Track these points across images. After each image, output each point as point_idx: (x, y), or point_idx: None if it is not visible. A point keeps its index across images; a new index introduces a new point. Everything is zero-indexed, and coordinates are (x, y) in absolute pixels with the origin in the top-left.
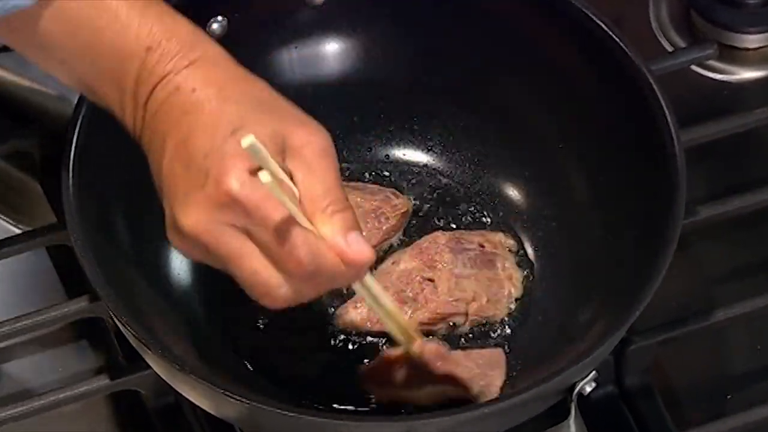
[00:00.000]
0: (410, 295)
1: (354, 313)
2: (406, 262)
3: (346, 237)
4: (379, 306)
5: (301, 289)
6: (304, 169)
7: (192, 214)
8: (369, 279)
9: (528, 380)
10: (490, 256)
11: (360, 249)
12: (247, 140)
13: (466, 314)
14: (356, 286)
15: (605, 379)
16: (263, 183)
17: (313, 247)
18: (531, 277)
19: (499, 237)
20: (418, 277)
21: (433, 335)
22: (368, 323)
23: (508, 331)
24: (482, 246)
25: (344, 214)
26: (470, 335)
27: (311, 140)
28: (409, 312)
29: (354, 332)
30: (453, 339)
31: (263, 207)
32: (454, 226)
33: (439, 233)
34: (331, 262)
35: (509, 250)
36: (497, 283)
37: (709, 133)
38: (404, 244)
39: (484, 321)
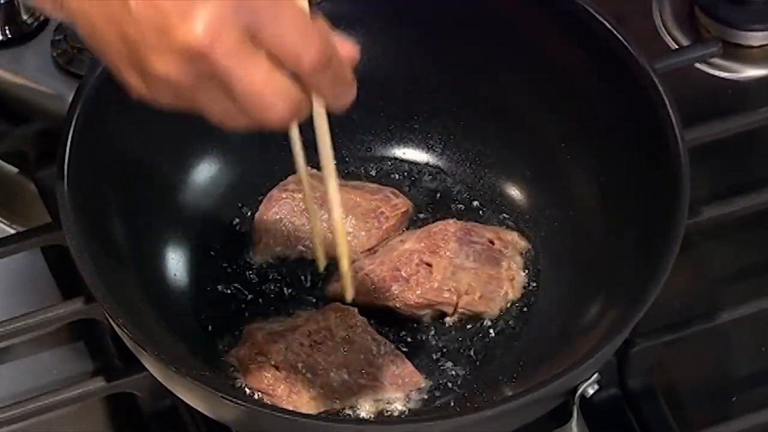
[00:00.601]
0: (404, 275)
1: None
2: (411, 242)
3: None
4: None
5: (305, 96)
6: None
7: (199, 26)
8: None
9: (529, 382)
10: (497, 254)
11: (344, 42)
12: None
13: (455, 305)
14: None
15: (608, 381)
16: None
17: (324, 39)
18: (535, 283)
19: (513, 237)
20: (417, 259)
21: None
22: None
23: (509, 331)
24: (492, 242)
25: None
26: (462, 329)
27: None
28: (397, 291)
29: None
30: (450, 332)
31: None
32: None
33: (452, 221)
34: (337, 53)
35: (519, 253)
36: (496, 281)
37: (714, 132)
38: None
39: (473, 314)
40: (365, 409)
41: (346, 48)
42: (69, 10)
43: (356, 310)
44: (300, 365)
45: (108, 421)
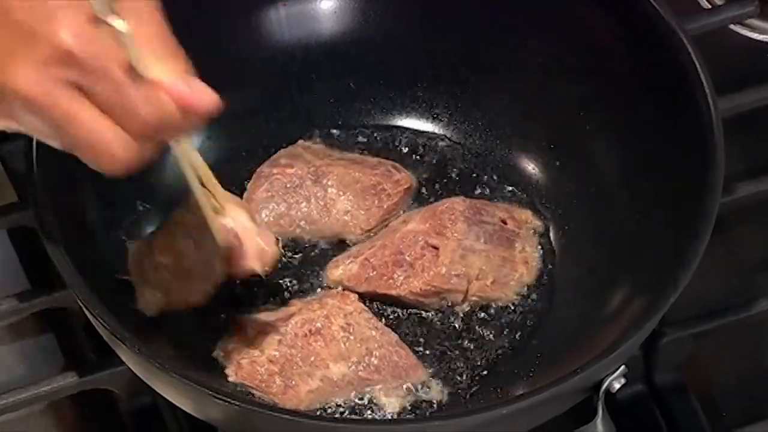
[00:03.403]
0: (408, 259)
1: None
2: (415, 222)
3: (187, 81)
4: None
5: (143, 145)
6: (135, 16)
7: (21, 74)
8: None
9: (549, 376)
10: (510, 234)
11: (202, 91)
12: None
13: (466, 293)
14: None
15: (633, 377)
16: (113, 28)
17: (155, 101)
18: (552, 266)
19: (527, 215)
20: (422, 242)
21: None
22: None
23: (525, 320)
24: (504, 222)
25: (179, 58)
26: (473, 318)
27: None
28: (401, 277)
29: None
30: (460, 322)
31: (103, 58)
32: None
33: (459, 199)
34: (173, 111)
35: (534, 232)
36: (510, 264)
37: (750, 100)
38: None
39: (485, 303)
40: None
41: (202, 94)
42: None
43: (356, 296)
44: (297, 358)
45: (80, 421)
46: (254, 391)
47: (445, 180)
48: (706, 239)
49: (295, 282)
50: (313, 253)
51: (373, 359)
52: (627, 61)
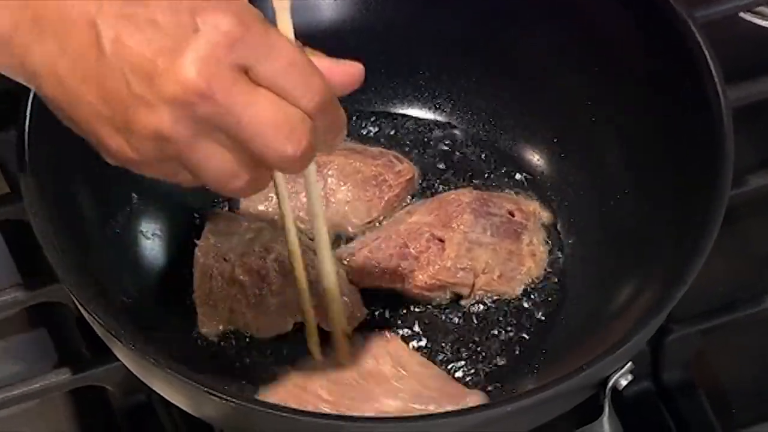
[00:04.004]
0: (413, 252)
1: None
2: (420, 214)
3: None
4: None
5: (321, 125)
6: None
7: (193, 64)
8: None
9: (555, 373)
10: (518, 226)
11: (347, 63)
12: None
13: (472, 287)
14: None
15: (640, 374)
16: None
17: (320, 72)
18: (560, 260)
19: (535, 207)
20: (427, 234)
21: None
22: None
23: (531, 315)
24: (512, 214)
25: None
26: (484, 313)
27: None
28: (406, 271)
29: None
30: (466, 317)
31: (272, 32)
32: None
33: (466, 190)
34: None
35: (542, 225)
36: (518, 258)
37: (760, 90)
38: None
39: (492, 297)
40: None
41: (349, 71)
42: (32, 67)
43: (396, 336)
44: (349, 396)
45: (73, 419)
46: None
47: (448, 171)
48: (715, 233)
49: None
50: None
51: (426, 392)
52: (634, 50)
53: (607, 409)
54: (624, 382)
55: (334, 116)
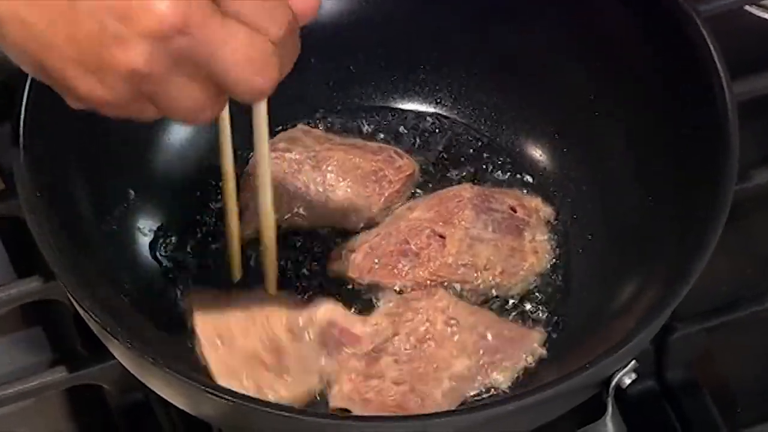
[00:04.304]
0: (413, 248)
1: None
2: (421, 210)
3: None
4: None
5: (283, 53)
6: None
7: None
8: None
9: (557, 371)
10: (520, 222)
11: None
12: None
13: (473, 284)
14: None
15: (644, 373)
16: None
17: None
18: (562, 255)
19: (537, 203)
20: (428, 230)
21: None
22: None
23: (533, 312)
24: (513, 210)
25: None
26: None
27: None
28: (407, 268)
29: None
30: None
31: None
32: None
33: (467, 185)
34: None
35: (544, 221)
36: (520, 254)
37: (766, 84)
38: None
39: (492, 294)
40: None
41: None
42: None
43: (440, 288)
44: (420, 369)
45: (69, 418)
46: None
47: (449, 166)
48: (720, 230)
49: (293, 273)
50: (312, 242)
51: (488, 341)
52: (637, 43)
53: (610, 407)
54: (627, 381)
55: (295, 45)
